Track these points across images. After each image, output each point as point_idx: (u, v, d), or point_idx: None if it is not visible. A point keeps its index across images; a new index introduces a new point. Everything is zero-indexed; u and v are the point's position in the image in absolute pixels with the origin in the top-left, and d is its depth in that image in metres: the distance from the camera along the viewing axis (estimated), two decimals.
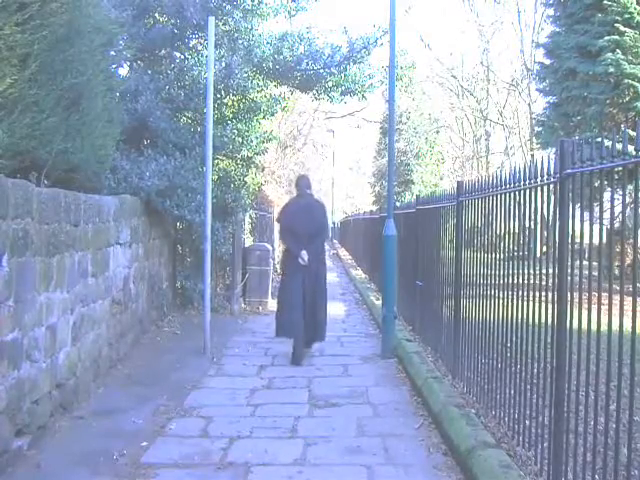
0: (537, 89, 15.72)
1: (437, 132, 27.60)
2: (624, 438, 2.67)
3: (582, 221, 3.21)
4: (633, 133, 2.71)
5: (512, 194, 4.07)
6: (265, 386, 5.69)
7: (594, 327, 2.92)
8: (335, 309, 10.10)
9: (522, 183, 3.79)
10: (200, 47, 9.50)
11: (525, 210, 3.96)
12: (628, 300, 2.63)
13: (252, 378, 5.95)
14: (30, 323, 3.98)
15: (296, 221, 6.77)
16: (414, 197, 9.98)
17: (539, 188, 3.60)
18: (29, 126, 4.23)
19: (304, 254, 6.59)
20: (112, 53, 6.81)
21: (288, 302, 6.76)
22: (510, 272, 4.05)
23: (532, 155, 20.86)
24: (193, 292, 9.21)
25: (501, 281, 4.25)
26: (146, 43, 8.85)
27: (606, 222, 3.35)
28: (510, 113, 27.29)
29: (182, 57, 9.42)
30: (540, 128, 13.89)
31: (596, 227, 3.60)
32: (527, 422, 3.64)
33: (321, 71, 10.05)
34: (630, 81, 10.78)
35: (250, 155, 10.34)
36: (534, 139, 18.59)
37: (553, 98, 13.04)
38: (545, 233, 3.90)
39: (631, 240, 7.80)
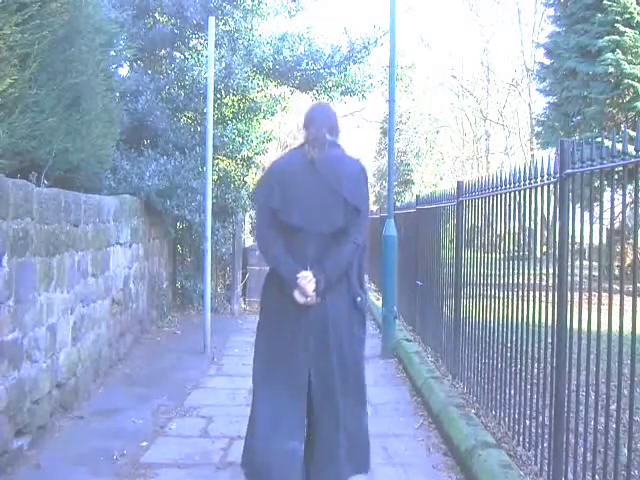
0: (537, 89, 15.72)
1: (437, 132, 27.58)
2: (624, 438, 2.67)
3: (582, 221, 3.21)
4: (633, 133, 2.71)
5: (512, 194, 4.07)
6: None
7: (594, 327, 2.92)
8: None
9: (522, 183, 3.79)
10: (200, 47, 9.49)
11: (525, 210, 3.96)
12: (628, 300, 2.63)
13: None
14: (30, 323, 3.98)
15: (292, 199, 2.98)
16: (414, 197, 9.99)
17: (539, 188, 3.60)
18: (29, 126, 4.22)
19: (305, 278, 2.89)
20: (112, 53, 6.82)
21: (269, 406, 3.02)
22: (510, 272, 4.05)
23: (532, 155, 20.87)
24: (193, 292, 9.21)
25: (501, 281, 4.25)
26: (146, 43, 8.85)
27: (606, 222, 3.35)
28: (510, 113, 27.30)
29: (182, 57, 9.42)
30: (540, 128, 13.89)
31: (596, 227, 3.60)
32: (527, 422, 3.64)
33: (321, 71, 10.05)
34: (630, 81, 10.78)
35: (250, 155, 10.34)
36: (534, 139, 18.59)
37: (553, 98, 13.05)
38: (545, 233, 3.90)
39: (631, 240, 7.81)
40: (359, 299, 3.02)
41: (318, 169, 2.96)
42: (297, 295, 2.89)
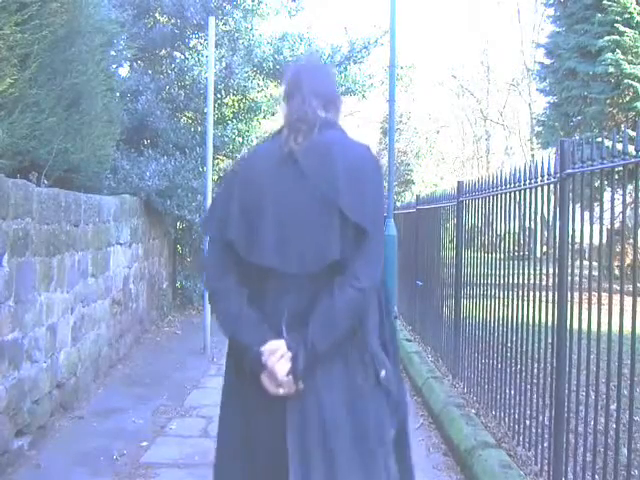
0: (537, 89, 15.73)
1: (437, 132, 27.60)
2: (624, 438, 2.66)
3: (582, 221, 3.21)
4: (633, 133, 2.71)
5: (512, 194, 4.07)
6: None
7: (594, 327, 2.92)
8: None
9: (522, 183, 3.78)
10: (200, 47, 9.50)
11: (525, 210, 3.96)
12: (628, 300, 2.62)
13: None
14: (30, 323, 3.98)
15: (260, 224, 1.81)
16: (414, 197, 9.99)
17: (539, 188, 3.60)
18: (29, 126, 4.23)
19: (272, 353, 1.73)
20: (112, 53, 6.82)
21: None
22: (510, 272, 4.05)
23: (532, 155, 20.88)
24: (193, 292, 9.21)
25: (501, 281, 4.25)
26: (146, 43, 8.86)
27: (606, 222, 3.35)
28: (510, 113, 27.32)
29: (182, 57, 9.43)
30: (540, 128, 13.90)
31: (596, 227, 3.60)
32: (527, 422, 3.63)
33: None
34: (630, 81, 10.78)
35: None
36: (534, 139, 18.60)
37: (553, 98, 13.05)
38: (545, 233, 3.90)
39: (631, 240, 7.81)
40: (383, 373, 1.79)
41: (301, 167, 1.79)
42: (266, 381, 1.74)
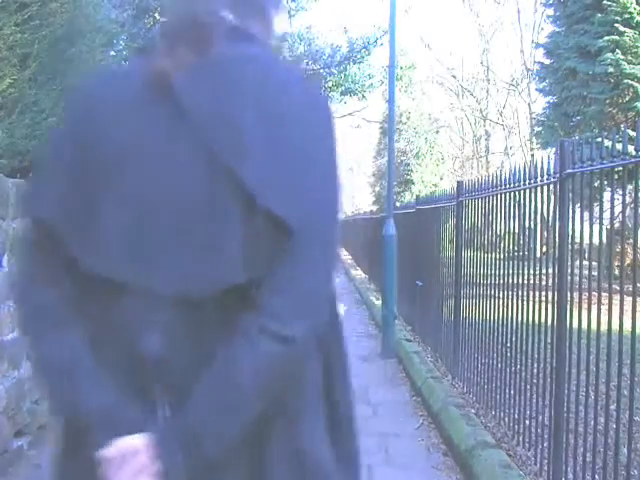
0: (537, 89, 15.74)
1: (437, 132, 27.61)
2: (624, 438, 2.66)
3: (582, 221, 3.21)
4: (633, 133, 2.71)
5: (512, 194, 4.07)
6: None
7: (594, 327, 2.92)
8: None
9: (522, 183, 3.79)
10: None
11: (525, 210, 3.96)
12: (628, 300, 2.63)
13: None
14: None
15: (100, 199, 0.93)
16: (414, 197, 10.00)
17: (539, 188, 3.60)
18: (29, 126, 4.23)
19: (123, 461, 0.88)
20: (112, 53, 6.83)
21: None
22: (510, 272, 4.05)
23: (532, 155, 20.89)
24: None
25: (501, 281, 4.25)
26: (146, 43, 8.86)
27: (606, 222, 3.35)
28: (510, 113, 27.34)
29: None
30: (540, 128, 13.91)
31: (596, 227, 3.60)
32: (527, 422, 3.63)
33: (321, 71, 10.07)
34: (630, 81, 10.79)
35: None
36: (534, 139, 18.62)
37: (553, 98, 13.06)
38: (545, 233, 3.90)
39: (631, 240, 7.80)
40: None
41: (181, 103, 0.93)
42: None
